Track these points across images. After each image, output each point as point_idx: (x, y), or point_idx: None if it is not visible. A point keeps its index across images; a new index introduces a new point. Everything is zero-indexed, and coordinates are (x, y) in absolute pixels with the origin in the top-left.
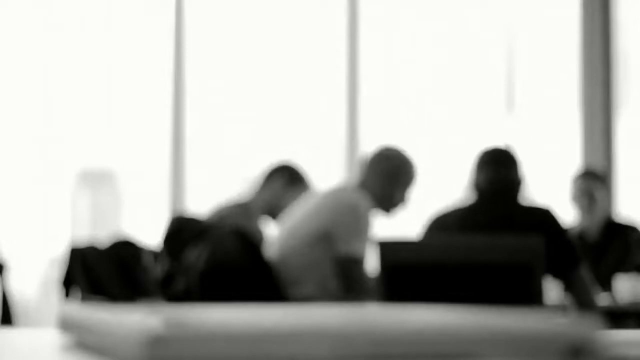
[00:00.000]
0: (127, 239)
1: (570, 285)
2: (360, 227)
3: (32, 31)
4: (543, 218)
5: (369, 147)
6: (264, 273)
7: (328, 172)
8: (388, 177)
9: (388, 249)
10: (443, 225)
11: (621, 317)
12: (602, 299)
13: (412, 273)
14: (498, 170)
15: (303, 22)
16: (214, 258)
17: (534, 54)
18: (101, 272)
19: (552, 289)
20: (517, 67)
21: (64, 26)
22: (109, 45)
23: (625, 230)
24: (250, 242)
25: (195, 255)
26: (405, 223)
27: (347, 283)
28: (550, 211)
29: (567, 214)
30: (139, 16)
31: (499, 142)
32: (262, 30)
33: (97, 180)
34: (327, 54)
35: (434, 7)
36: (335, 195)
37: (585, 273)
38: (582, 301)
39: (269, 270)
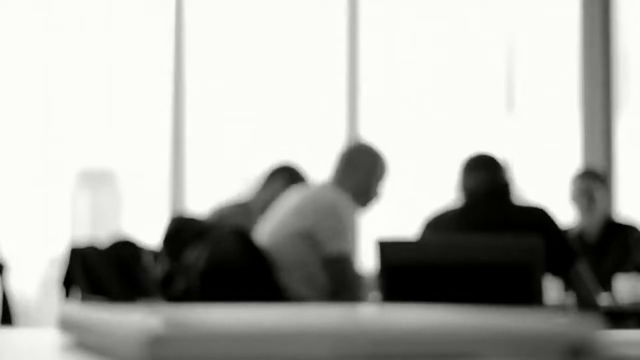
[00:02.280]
0: (127, 239)
1: (569, 282)
2: (343, 225)
3: (32, 31)
4: (539, 217)
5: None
6: (264, 273)
7: (328, 172)
8: (364, 171)
9: (388, 249)
10: (439, 225)
11: (621, 317)
12: (602, 299)
13: (412, 273)
14: (488, 173)
15: (303, 22)
16: (214, 258)
17: (534, 54)
18: (101, 272)
19: (552, 289)
20: (517, 67)
21: (64, 26)
22: (109, 45)
23: (625, 230)
24: (250, 242)
25: (195, 255)
26: (406, 223)
27: (340, 282)
28: (546, 210)
29: (567, 214)
30: (139, 16)
31: (496, 144)
32: (262, 30)
33: (97, 180)
34: (327, 54)
35: (434, 7)
36: (316, 195)
37: (583, 269)
38: (581, 297)
39: (269, 270)
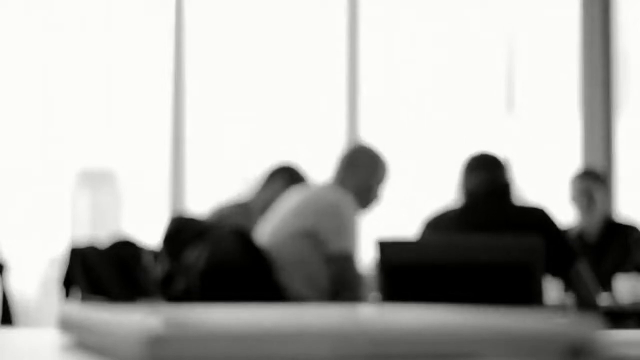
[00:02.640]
0: (127, 239)
1: (569, 283)
2: (345, 224)
3: (32, 31)
4: (539, 218)
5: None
6: (263, 273)
7: (328, 172)
8: (364, 173)
9: (388, 249)
10: (439, 225)
11: (621, 317)
12: (602, 299)
13: (412, 273)
14: (488, 173)
15: (303, 22)
16: (213, 258)
17: (534, 54)
18: (101, 272)
19: (552, 289)
20: (517, 67)
21: (64, 26)
22: (109, 45)
23: (625, 230)
24: (250, 242)
25: (195, 255)
26: (406, 223)
27: (342, 281)
28: (545, 211)
29: (567, 214)
30: (139, 16)
31: (496, 144)
32: (262, 30)
33: (97, 180)
34: (327, 54)
35: (434, 7)
36: (317, 195)
37: (583, 269)
38: (581, 297)
39: (268, 270)
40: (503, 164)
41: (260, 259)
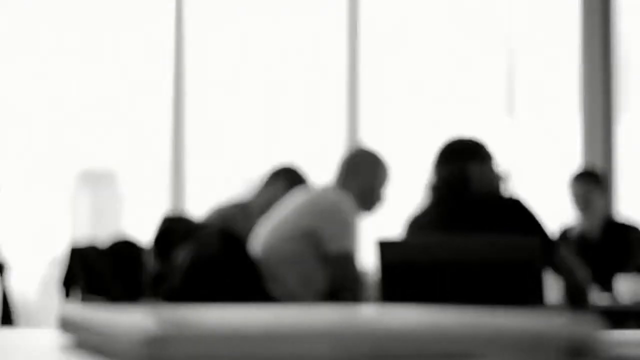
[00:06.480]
0: (127, 239)
1: (556, 270)
2: (346, 223)
3: (33, 32)
4: (513, 208)
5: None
6: (247, 273)
7: (328, 173)
8: (366, 176)
9: (388, 249)
10: (419, 225)
11: (621, 317)
12: (602, 299)
13: (412, 273)
14: (452, 165)
15: (303, 22)
16: (197, 258)
17: (534, 54)
18: (101, 272)
19: (552, 289)
20: (517, 68)
21: (65, 27)
22: (109, 45)
23: (625, 230)
24: (235, 243)
25: (182, 255)
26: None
27: (343, 280)
28: (520, 201)
29: (568, 214)
30: (139, 16)
31: (496, 146)
32: (262, 31)
33: (97, 180)
34: (327, 54)
35: (434, 8)
36: (319, 196)
37: (566, 254)
38: (569, 282)
39: (252, 271)
40: (471, 151)
41: (244, 259)
